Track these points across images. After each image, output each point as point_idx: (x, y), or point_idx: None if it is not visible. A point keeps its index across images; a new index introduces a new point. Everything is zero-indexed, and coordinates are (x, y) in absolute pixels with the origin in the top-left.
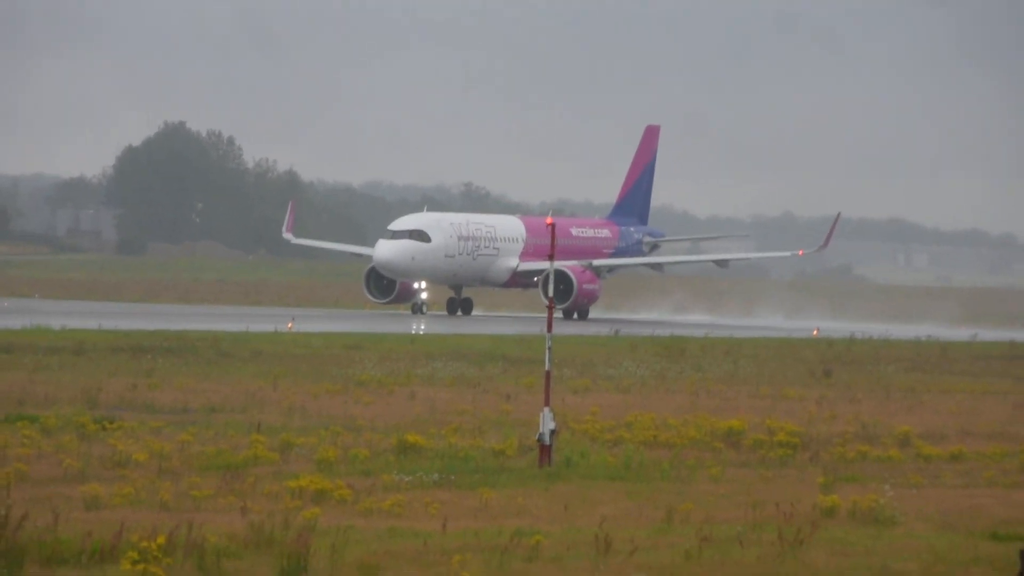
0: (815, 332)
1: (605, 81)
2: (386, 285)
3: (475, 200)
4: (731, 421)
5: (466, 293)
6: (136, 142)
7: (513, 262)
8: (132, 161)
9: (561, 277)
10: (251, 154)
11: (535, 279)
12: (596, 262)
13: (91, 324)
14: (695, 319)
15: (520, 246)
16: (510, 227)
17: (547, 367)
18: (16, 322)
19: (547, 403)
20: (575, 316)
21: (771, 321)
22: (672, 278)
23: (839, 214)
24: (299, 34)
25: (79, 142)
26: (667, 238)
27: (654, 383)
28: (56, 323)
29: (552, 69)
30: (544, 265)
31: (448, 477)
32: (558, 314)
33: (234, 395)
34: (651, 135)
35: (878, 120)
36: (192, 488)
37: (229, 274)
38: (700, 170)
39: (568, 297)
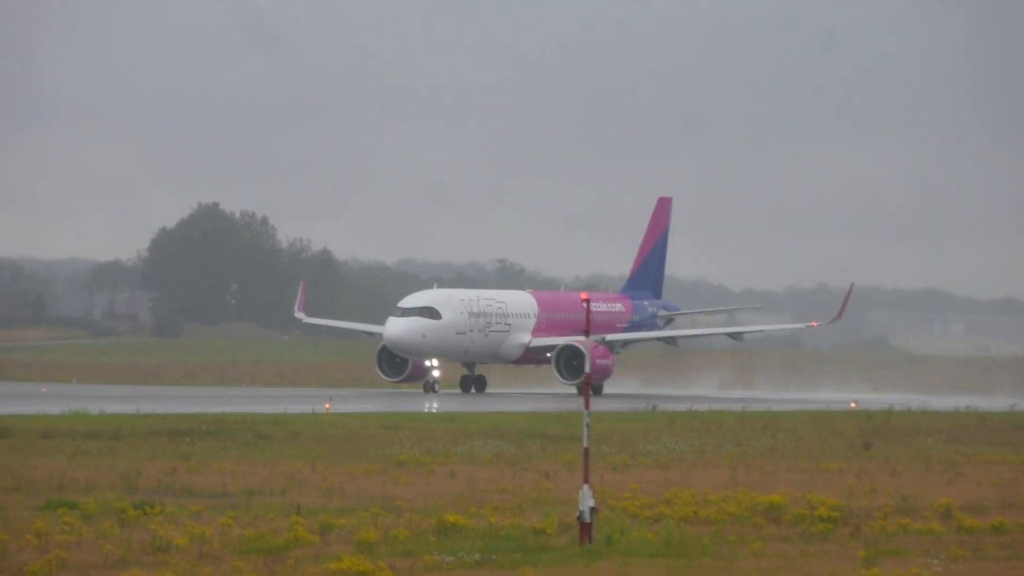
0: (853, 404)
1: (625, 153)
2: (398, 363)
3: (509, 276)
4: (771, 496)
5: (479, 370)
6: (170, 224)
7: (525, 338)
8: (166, 243)
9: (574, 353)
10: (285, 233)
11: (548, 355)
12: (609, 337)
13: (129, 408)
14: (732, 393)
15: (532, 322)
16: (522, 303)
17: (585, 444)
18: (55, 407)
19: (586, 480)
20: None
21: (807, 394)
22: (704, 352)
23: (852, 285)
24: (330, 113)
25: (113, 225)
26: (682, 311)
27: (693, 458)
28: (94, 408)
29: (574, 140)
30: (557, 341)
31: (489, 557)
32: (572, 390)
33: (273, 477)
34: (664, 207)
35: (908, 185)
36: (233, 572)
37: (265, 355)
38: (732, 241)
39: (581, 373)
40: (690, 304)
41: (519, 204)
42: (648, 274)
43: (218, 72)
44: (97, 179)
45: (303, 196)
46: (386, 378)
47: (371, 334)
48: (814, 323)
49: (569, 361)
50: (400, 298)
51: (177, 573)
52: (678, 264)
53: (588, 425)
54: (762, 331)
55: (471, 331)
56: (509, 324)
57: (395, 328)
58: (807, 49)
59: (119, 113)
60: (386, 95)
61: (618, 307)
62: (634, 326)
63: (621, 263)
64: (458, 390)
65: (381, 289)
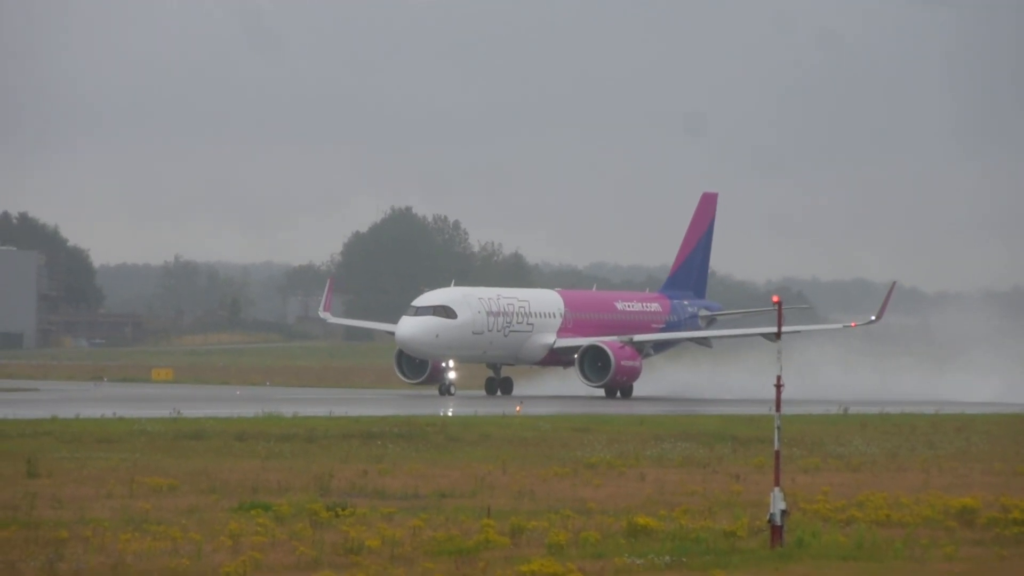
0: None
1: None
2: (418, 365)
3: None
4: (965, 499)
5: (506, 372)
6: (363, 228)
7: (550, 338)
8: (360, 247)
9: (598, 354)
10: (476, 237)
11: (575, 356)
12: (637, 337)
13: (322, 411)
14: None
15: (558, 321)
16: (547, 301)
17: (776, 447)
18: (249, 410)
19: (777, 483)
20: (618, 395)
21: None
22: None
23: (894, 283)
24: (528, 117)
25: (307, 230)
26: (725, 311)
27: (885, 461)
28: (288, 410)
29: (773, 140)
30: (583, 342)
31: (680, 559)
32: (599, 392)
33: (464, 480)
34: (708, 203)
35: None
36: (424, 574)
37: None
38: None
39: (606, 374)
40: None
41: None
42: (690, 273)
43: (419, 83)
44: (296, 185)
45: (496, 201)
46: (405, 379)
47: (393, 334)
48: (852, 323)
49: (594, 362)
50: None
51: (369, 575)
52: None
53: (779, 428)
54: (798, 331)
55: (489, 331)
56: (532, 324)
57: (407, 328)
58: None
59: (318, 119)
60: (572, 102)
61: (654, 307)
62: (671, 327)
63: (818, 266)
64: (483, 393)
65: None
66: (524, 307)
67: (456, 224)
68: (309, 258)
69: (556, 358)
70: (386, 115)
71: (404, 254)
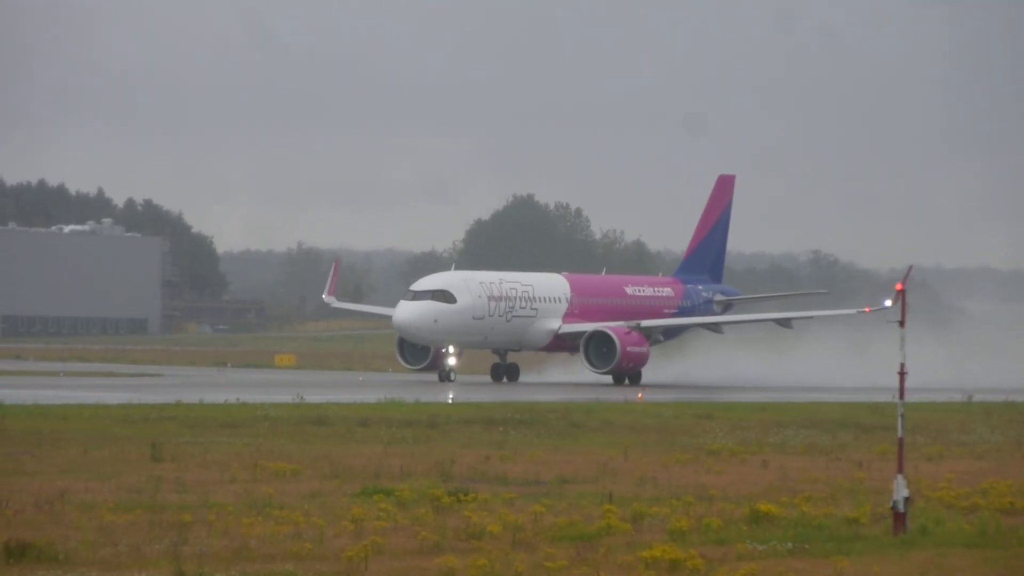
0: None
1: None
2: (421, 351)
3: (823, 268)
4: None
5: (512, 358)
6: (485, 216)
7: (555, 324)
8: (481, 234)
9: (604, 339)
10: (598, 225)
11: (580, 342)
12: (644, 323)
13: (443, 397)
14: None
15: (564, 306)
16: (552, 286)
17: (899, 434)
18: (371, 396)
19: (900, 470)
20: (626, 381)
21: None
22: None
23: (911, 267)
24: (639, 110)
25: (429, 217)
26: (743, 296)
27: (1010, 449)
28: (409, 396)
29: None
30: (588, 327)
31: (802, 546)
32: (607, 378)
33: (585, 466)
34: (725, 185)
35: None
36: (547, 559)
37: None
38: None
39: (611, 360)
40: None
41: (834, 192)
42: (705, 257)
43: (543, 73)
44: (418, 172)
45: (617, 188)
46: (407, 366)
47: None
48: (866, 308)
49: (599, 348)
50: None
51: (491, 559)
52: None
53: (902, 415)
54: (811, 317)
55: (490, 316)
56: (536, 309)
57: (405, 312)
58: None
59: (443, 109)
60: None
61: (666, 291)
62: (684, 312)
63: (937, 254)
64: (489, 379)
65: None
66: (528, 292)
67: (578, 211)
68: (431, 245)
69: (562, 344)
70: (509, 103)
71: (525, 241)
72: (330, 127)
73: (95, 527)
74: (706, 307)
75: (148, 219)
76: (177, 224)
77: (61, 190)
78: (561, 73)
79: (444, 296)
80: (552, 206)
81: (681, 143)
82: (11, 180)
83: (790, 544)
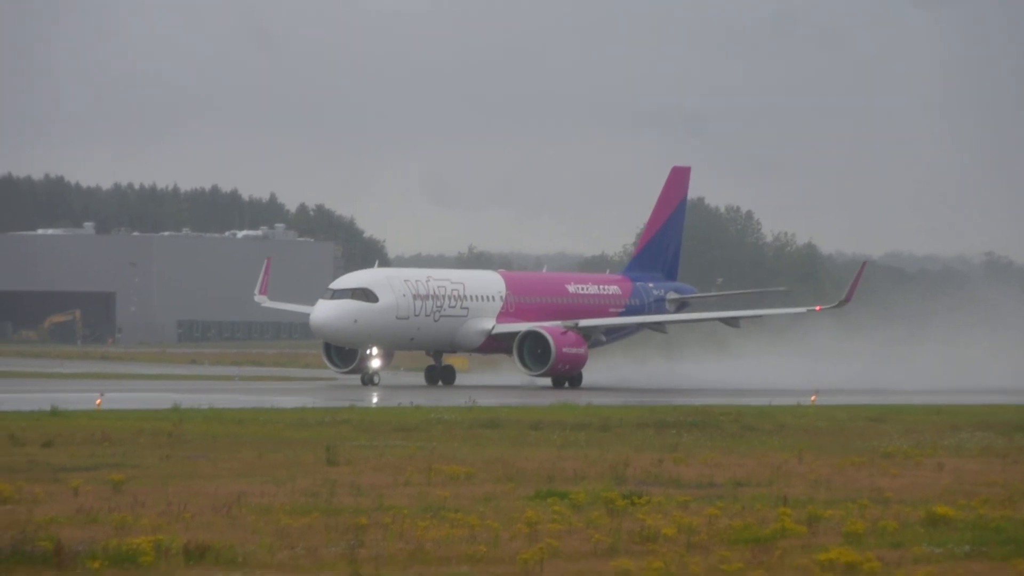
0: None
1: None
2: (348, 352)
3: (998, 270)
4: None
5: (448, 360)
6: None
7: (488, 324)
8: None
9: (538, 340)
10: (769, 228)
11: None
12: (583, 322)
13: (615, 400)
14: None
15: (498, 305)
16: (485, 284)
17: None
18: (543, 400)
19: None
20: (566, 385)
21: None
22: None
23: (864, 264)
24: (813, 103)
25: (600, 220)
26: (698, 295)
27: None
28: (581, 400)
29: None
30: (522, 326)
31: (980, 549)
32: (545, 381)
33: (759, 469)
34: (679, 177)
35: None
36: (721, 562)
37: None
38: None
39: (546, 362)
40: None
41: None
42: (658, 253)
43: (723, 71)
44: (589, 175)
45: (789, 190)
46: (334, 368)
47: None
48: (817, 307)
49: (534, 349)
50: (887, 292)
51: (665, 562)
52: None
53: None
54: (759, 316)
55: (416, 316)
56: (467, 308)
57: (322, 312)
58: None
59: (613, 110)
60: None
61: (612, 289)
62: (632, 311)
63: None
64: (424, 382)
65: (865, 284)
66: (458, 290)
67: (749, 214)
68: (602, 248)
69: (496, 345)
70: (677, 102)
71: (696, 244)
72: (499, 131)
73: (272, 530)
74: (657, 306)
75: (320, 224)
76: (349, 229)
77: (234, 196)
78: (734, 76)
79: (365, 295)
80: (723, 209)
81: (862, 141)
82: (185, 186)
83: (967, 547)
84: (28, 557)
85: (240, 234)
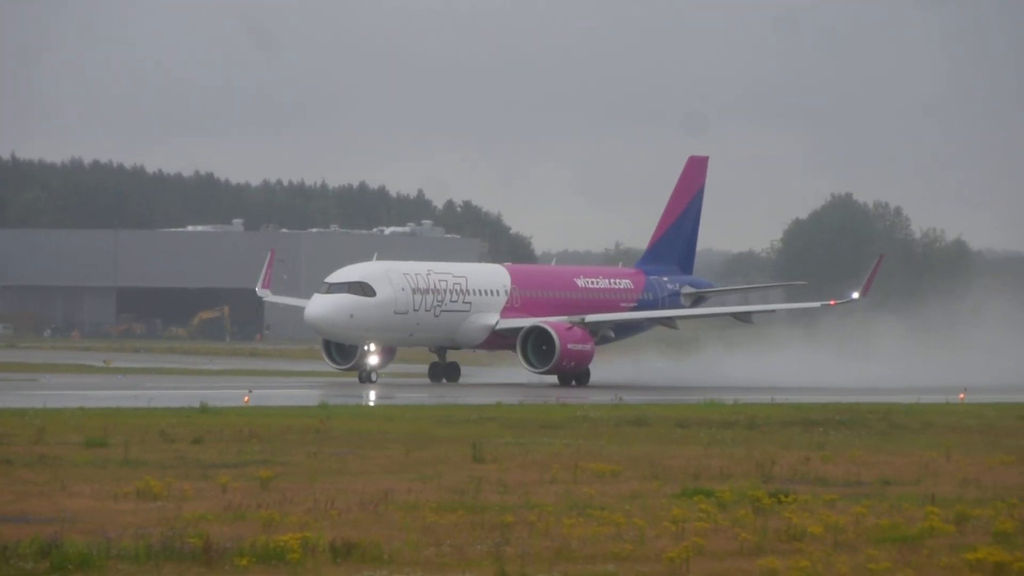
0: None
1: None
2: (348, 349)
3: None
4: None
5: (452, 357)
6: (803, 215)
7: (491, 319)
8: (799, 234)
9: (543, 336)
10: (918, 224)
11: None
12: (589, 318)
13: (763, 398)
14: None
15: (503, 300)
16: (489, 277)
17: None
18: (690, 397)
19: None
20: (573, 383)
21: None
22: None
23: (881, 257)
24: (980, 100)
25: (747, 216)
26: (715, 289)
27: None
28: (728, 398)
29: None
30: (526, 322)
31: None
32: (551, 379)
33: (906, 467)
34: (696, 168)
35: None
36: (869, 561)
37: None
38: None
39: (551, 359)
40: None
41: None
42: (673, 246)
43: (863, 64)
44: (739, 171)
45: (940, 186)
46: (334, 365)
47: None
48: (832, 301)
49: (538, 346)
50: None
51: (812, 561)
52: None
53: None
54: (773, 311)
55: (415, 310)
56: (469, 303)
57: (317, 306)
58: None
59: (765, 107)
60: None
61: (624, 283)
62: (645, 306)
63: None
64: (428, 380)
65: (1016, 281)
66: (460, 284)
67: (898, 210)
68: (748, 245)
69: (500, 341)
70: (831, 99)
71: (844, 241)
72: (648, 128)
73: (419, 527)
74: (672, 300)
75: (467, 220)
76: (496, 225)
77: (382, 192)
78: (878, 68)
79: (362, 288)
80: (871, 205)
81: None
82: (333, 183)
83: None
84: (177, 554)
85: (388, 230)
